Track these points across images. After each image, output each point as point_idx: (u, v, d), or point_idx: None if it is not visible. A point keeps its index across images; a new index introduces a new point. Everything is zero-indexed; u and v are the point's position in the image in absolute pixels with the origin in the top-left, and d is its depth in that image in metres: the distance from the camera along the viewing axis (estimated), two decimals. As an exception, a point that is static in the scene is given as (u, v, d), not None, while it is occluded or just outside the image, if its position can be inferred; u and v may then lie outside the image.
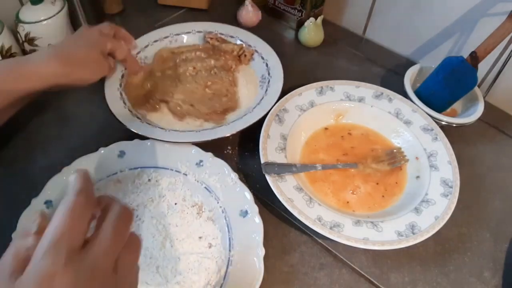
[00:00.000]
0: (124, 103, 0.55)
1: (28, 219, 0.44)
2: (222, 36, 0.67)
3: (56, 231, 0.26)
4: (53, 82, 0.49)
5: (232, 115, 0.58)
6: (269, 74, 0.61)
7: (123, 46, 0.57)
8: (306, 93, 0.58)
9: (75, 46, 0.51)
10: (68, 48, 0.51)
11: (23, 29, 0.59)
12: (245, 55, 0.64)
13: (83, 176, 0.30)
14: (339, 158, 0.55)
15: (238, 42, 0.67)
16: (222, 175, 0.50)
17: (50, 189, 0.46)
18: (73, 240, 0.26)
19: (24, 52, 0.62)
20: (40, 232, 0.27)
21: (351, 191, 0.51)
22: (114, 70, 0.58)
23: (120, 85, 0.58)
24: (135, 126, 0.52)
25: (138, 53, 0.63)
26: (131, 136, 0.52)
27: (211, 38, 0.65)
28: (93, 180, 0.48)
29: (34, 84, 0.47)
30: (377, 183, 0.52)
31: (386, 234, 0.45)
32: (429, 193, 0.49)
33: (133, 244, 0.31)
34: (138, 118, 0.54)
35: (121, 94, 0.56)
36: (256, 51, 0.65)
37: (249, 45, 0.66)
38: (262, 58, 0.64)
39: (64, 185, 0.47)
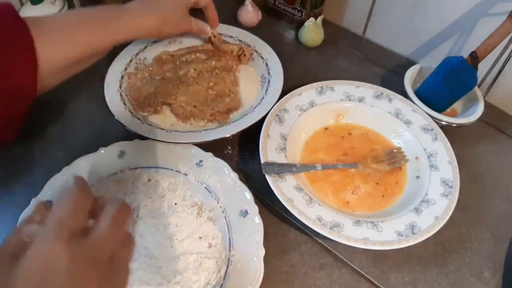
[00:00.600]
0: (125, 104, 0.55)
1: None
2: (221, 36, 0.67)
3: (59, 214, 0.27)
4: (143, 36, 0.53)
5: (235, 114, 0.58)
6: (269, 73, 0.61)
7: None
8: (306, 93, 0.58)
9: (167, 2, 0.54)
10: (161, 3, 0.54)
11: (23, 29, 0.59)
12: (245, 55, 0.64)
13: (80, 178, 0.31)
14: (339, 158, 0.55)
15: (238, 42, 0.67)
16: (222, 175, 0.50)
17: (50, 189, 0.46)
18: (75, 224, 0.27)
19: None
20: (42, 221, 0.28)
21: (351, 191, 0.51)
22: (195, 27, 0.61)
23: (120, 86, 0.58)
24: (135, 127, 0.52)
25: (137, 54, 0.63)
26: (131, 136, 0.52)
27: (214, 36, 0.65)
28: (92, 181, 0.49)
29: (127, 36, 0.50)
30: (377, 183, 0.52)
31: (386, 234, 0.45)
32: (429, 193, 0.49)
33: (129, 242, 0.31)
34: (138, 119, 0.54)
35: (121, 95, 0.56)
36: (256, 51, 0.65)
37: (248, 45, 0.66)
38: (262, 57, 0.64)
39: (64, 185, 0.47)
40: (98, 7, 0.51)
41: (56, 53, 0.44)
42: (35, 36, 0.41)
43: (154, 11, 0.52)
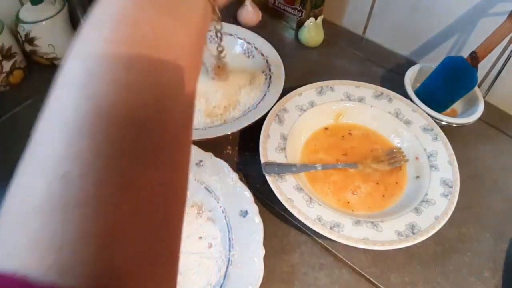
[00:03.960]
0: None
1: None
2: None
3: None
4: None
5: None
6: (270, 70, 0.62)
7: None
8: (306, 93, 0.58)
9: None
10: None
11: (23, 29, 0.59)
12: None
13: None
14: (339, 158, 0.55)
15: (238, 40, 0.67)
16: (222, 175, 0.50)
17: (50, 189, 0.46)
18: None
19: (24, 53, 0.62)
20: None
21: (351, 191, 0.51)
22: None
23: None
24: None
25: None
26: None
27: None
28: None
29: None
30: (377, 183, 0.52)
31: (386, 234, 0.45)
32: (429, 193, 0.49)
33: None
34: None
35: None
36: (256, 48, 0.65)
37: (249, 43, 0.66)
38: (262, 55, 0.64)
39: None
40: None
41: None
42: None
43: None
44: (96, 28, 0.20)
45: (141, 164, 0.18)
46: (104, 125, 0.17)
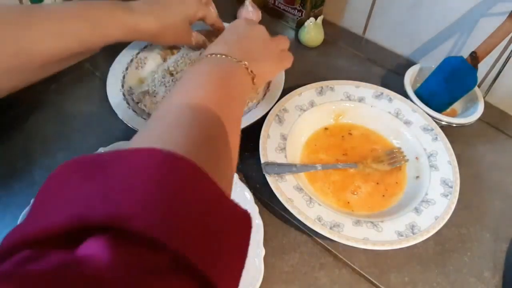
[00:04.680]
0: (128, 103, 0.55)
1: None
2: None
3: None
4: (136, 38, 0.51)
5: None
6: None
7: (212, 10, 0.57)
8: (306, 93, 0.58)
9: (172, 10, 0.51)
10: (166, 11, 0.51)
11: (23, 29, 0.59)
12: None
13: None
14: (339, 158, 0.55)
15: None
16: (222, 175, 0.49)
17: (50, 189, 0.46)
18: None
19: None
20: None
21: (351, 191, 0.51)
22: (193, 42, 0.58)
23: (122, 85, 0.58)
24: (139, 127, 0.52)
25: (138, 53, 0.63)
26: (131, 136, 0.51)
27: None
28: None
29: (120, 36, 0.48)
30: (377, 183, 0.52)
31: (386, 234, 0.45)
32: (429, 193, 0.49)
33: None
34: (143, 118, 0.54)
35: (123, 94, 0.57)
36: None
37: None
38: None
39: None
40: (100, 1, 0.48)
41: (40, 44, 0.42)
42: (22, 24, 0.40)
43: (155, 16, 0.50)
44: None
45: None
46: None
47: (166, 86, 0.58)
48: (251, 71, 0.41)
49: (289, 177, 0.49)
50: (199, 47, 0.61)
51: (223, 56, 0.40)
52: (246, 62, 0.41)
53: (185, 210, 0.21)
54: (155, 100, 0.57)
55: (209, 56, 0.40)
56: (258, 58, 0.43)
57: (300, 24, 0.74)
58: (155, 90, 0.59)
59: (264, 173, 0.48)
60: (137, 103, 0.58)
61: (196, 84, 0.35)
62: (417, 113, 0.57)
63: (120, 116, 0.53)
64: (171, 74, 0.61)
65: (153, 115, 0.33)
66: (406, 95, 0.59)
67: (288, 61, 0.51)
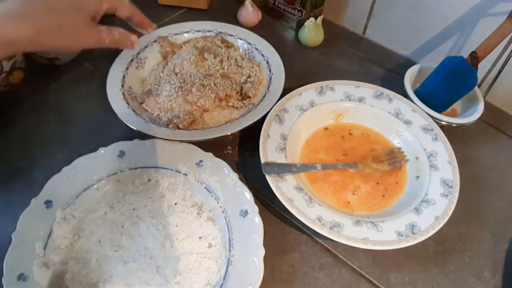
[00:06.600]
0: (127, 103, 0.55)
1: (28, 219, 0.44)
2: (222, 35, 0.67)
3: None
4: (19, 50, 0.38)
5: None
6: (270, 71, 0.62)
7: (124, 1, 0.44)
8: (306, 93, 0.58)
9: (57, 6, 0.38)
10: (47, 8, 0.37)
11: (23, 29, 0.59)
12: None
13: None
14: (339, 158, 0.55)
15: (239, 41, 0.67)
16: (222, 175, 0.50)
17: (50, 189, 0.46)
18: None
19: (24, 53, 0.62)
20: None
21: (351, 191, 0.51)
22: (106, 39, 0.42)
23: (122, 85, 0.58)
24: (138, 126, 0.52)
25: (138, 53, 0.63)
26: (131, 136, 0.52)
27: (159, 43, 0.65)
28: (92, 181, 0.49)
29: None
30: (377, 183, 0.52)
31: (386, 234, 0.45)
32: (429, 193, 0.49)
33: None
34: (143, 118, 0.54)
35: (123, 94, 0.57)
36: (256, 48, 0.65)
37: (249, 43, 0.66)
38: (263, 55, 0.64)
39: (64, 185, 0.47)
40: None
41: None
42: None
43: (29, 17, 0.36)
44: None
45: None
46: None
47: (171, 84, 0.58)
48: None
49: (289, 177, 0.49)
50: (117, 44, 0.44)
51: None
52: None
53: None
54: (159, 100, 0.57)
55: None
56: None
57: (300, 24, 0.74)
58: (158, 89, 0.59)
59: (264, 173, 0.48)
60: (141, 103, 0.58)
61: None
62: (417, 113, 0.57)
63: (120, 116, 0.53)
64: (176, 74, 0.61)
65: None
66: (406, 95, 0.59)
67: None
